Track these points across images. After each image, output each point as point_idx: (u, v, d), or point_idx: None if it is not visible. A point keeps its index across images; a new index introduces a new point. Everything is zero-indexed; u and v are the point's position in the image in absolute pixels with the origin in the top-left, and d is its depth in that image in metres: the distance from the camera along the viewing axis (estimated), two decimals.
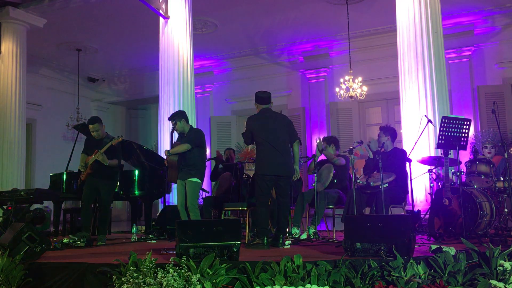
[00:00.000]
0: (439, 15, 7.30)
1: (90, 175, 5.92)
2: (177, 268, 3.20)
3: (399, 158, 5.82)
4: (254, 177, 5.62)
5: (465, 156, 7.88)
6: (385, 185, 5.39)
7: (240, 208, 6.41)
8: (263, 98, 5.32)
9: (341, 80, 10.04)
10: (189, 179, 5.61)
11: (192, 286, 3.09)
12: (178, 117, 5.77)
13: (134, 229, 6.50)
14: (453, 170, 5.75)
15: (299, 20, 10.54)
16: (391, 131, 6.01)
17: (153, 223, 7.29)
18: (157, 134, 9.33)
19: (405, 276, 3.17)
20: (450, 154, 5.29)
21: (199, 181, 5.68)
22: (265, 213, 5.09)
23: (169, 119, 5.82)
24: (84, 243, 5.53)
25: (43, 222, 8.10)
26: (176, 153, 5.61)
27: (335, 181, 6.08)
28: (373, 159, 5.84)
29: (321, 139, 6.67)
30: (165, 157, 5.80)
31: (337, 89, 10.09)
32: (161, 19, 8.64)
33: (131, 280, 3.12)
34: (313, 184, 5.94)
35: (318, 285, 3.14)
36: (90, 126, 5.98)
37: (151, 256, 3.30)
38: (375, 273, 3.23)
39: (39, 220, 7.96)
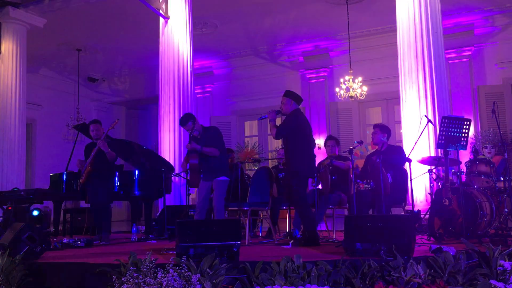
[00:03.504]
0: (439, 15, 7.30)
1: (89, 174, 5.99)
2: (177, 268, 3.20)
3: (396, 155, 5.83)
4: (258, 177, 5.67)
5: (465, 156, 7.88)
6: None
7: (240, 208, 6.41)
8: (300, 98, 5.41)
9: (341, 80, 10.04)
10: (217, 179, 5.47)
11: (192, 286, 3.09)
12: (191, 117, 5.62)
13: (134, 229, 6.50)
14: (453, 170, 5.75)
15: (299, 20, 10.54)
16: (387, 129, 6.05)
17: (153, 223, 7.29)
18: (157, 134, 9.32)
19: (405, 276, 3.16)
20: (450, 154, 5.29)
21: (227, 178, 5.57)
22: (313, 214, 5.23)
23: (184, 123, 5.58)
24: (108, 242, 5.75)
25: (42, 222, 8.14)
26: (199, 152, 5.44)
27: (333, 177, 6.08)
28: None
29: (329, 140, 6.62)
30: (167, 156, 5.80)
31: (337, 89, 10.09)
32: (161, 19, 8.64)
33: (131, 280, 3.12)
34: (313, 185, 5.94)
35: (318, 285, 3.14)
36: (91, 125, 6.19)
37: (151, 256, 3.30)
38: (375, 273, 3.22)
39: (38, 220, 7.99)
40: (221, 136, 5.64)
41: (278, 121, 5.51)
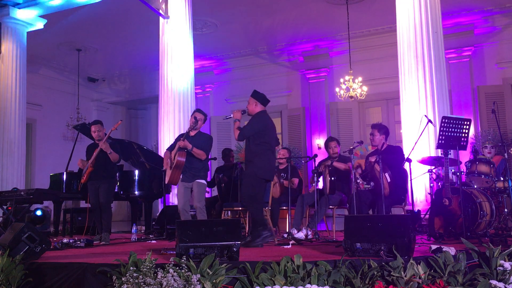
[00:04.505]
0: (439, 15, 7.30)
1: (91, 174, 6.02)
2: (177, 268, 3.20)
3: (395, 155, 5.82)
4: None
5: (465, 156, 7.88)
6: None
7: (240, 208, 6.42)
8: (267, 100, 5.26)
9: (341, 80, 10.04)
10: (197, 180, 5.55)
11: (192, 286, 3.09)
12: (206, 117, 5.80)
13: (134, 229, 6.51)
14: (453, 170, 5.75)
15: (299, 20, 10.54)
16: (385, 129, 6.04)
17: (153, 223, 7.29)
18: (157, 134, 9.33)
19: (405, 276, 3.16)
20: (450, 154, 5.29)
21: (206, 182, 5.70)
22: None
23: (200, 111, 5.76)
24: (108, 242, 5.77)
25: (44, 222, 8.13)
26: (187, 151, 5.45)
27: (332, 178, 6.08)
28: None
29: (330, 142, 6.58)
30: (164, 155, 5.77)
31: (337, 89, 10.09)
32: (161, 19, 8.64)
33: (131, 280, 3.12)
34: (312, 185, 5.94)
35: (318, 285, 3.14)
36: (93, 126, 6.20)
37: (151, 256, 3.30)
38: (375, 273, 3.22)
39: (39, 220, 7.99)
40: (211, 145, 5.74)
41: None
